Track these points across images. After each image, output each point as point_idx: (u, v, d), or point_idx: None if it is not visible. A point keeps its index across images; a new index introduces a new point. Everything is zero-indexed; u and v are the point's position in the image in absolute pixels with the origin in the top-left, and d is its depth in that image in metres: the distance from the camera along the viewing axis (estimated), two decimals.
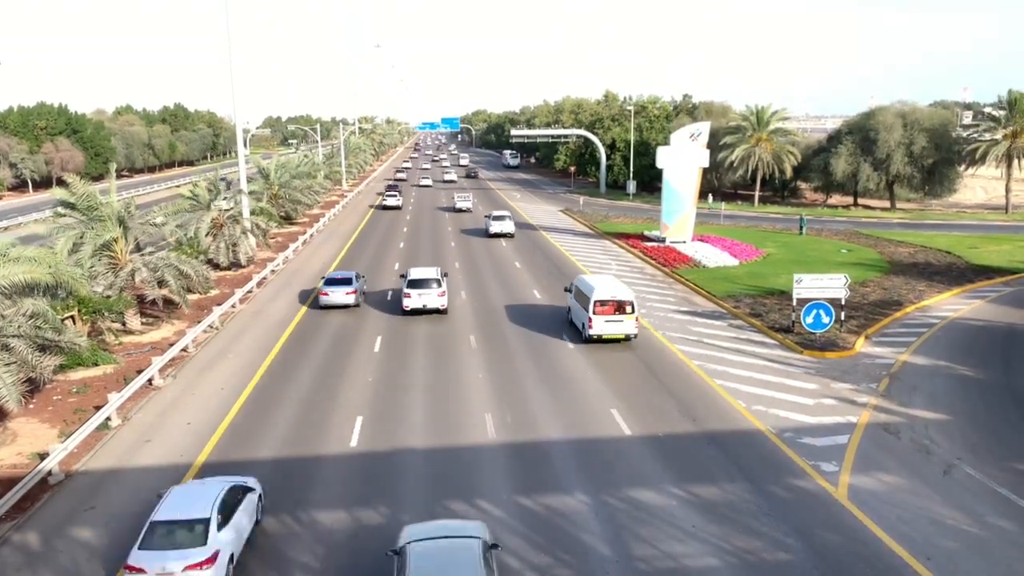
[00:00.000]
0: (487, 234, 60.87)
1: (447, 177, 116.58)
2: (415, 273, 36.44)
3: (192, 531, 14.95)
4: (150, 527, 15.18)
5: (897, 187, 78.78)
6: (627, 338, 30.77)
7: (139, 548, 14.87)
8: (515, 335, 32.67)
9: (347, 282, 37.47)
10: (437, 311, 35.71)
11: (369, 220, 73.54)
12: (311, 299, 39.67)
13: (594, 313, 30.06)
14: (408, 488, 19.27)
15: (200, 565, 14.42)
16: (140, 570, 14.43)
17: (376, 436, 22.40)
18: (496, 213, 62.76)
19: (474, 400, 25.04)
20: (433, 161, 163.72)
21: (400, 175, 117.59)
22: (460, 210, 77.78)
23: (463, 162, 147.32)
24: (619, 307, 30.24)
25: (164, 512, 15.46)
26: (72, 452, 21.33)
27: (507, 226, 60.30)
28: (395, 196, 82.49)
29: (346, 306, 37.25)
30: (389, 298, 39.62)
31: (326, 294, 37.13)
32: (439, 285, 35.58)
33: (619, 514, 17.99)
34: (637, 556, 16.35)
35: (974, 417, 23.56)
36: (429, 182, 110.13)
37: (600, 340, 30.64)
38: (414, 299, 35.18)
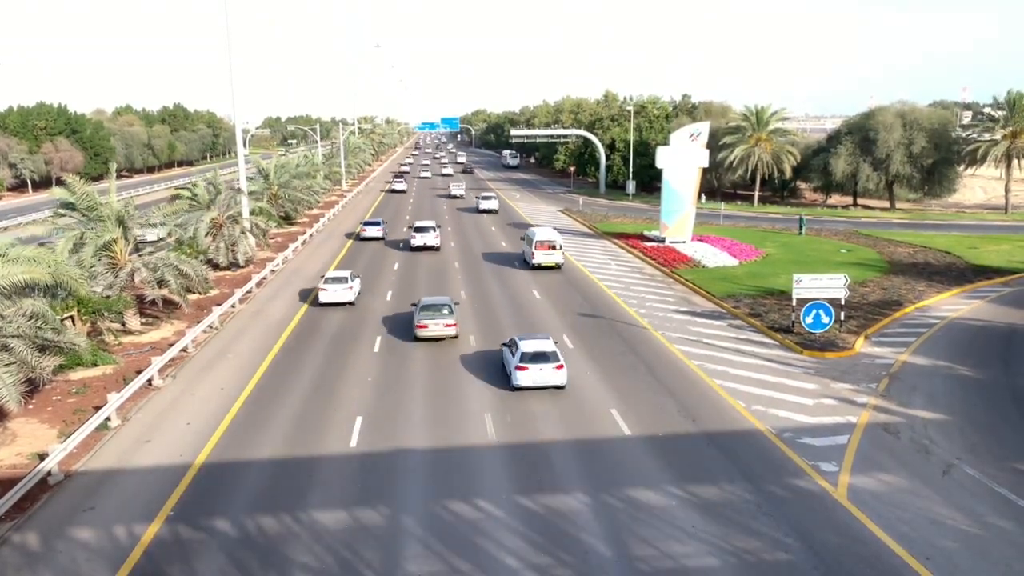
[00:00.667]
0: (477, 210, 77.44)
1: (444, 171, 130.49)
2: (419, 223, 56.38)
3: (343, 280, 38.24)
4: (324, 279, 38.65)
5: (896, 187, 78.79)
6: (557, 266, 46.85)
7: (323, 282, 38.39)
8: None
9: (378, 224, 61.08)
10: (433, 248, 54.33)
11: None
12: (354, 236, 61.60)
13: (536, 249, 46.45)
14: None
15: (347, 289, 37.95)
16: (324, 289, 37.96)
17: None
18: (484, 194, 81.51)
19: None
20: (433, 159, 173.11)
21: (404, 168, 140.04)
22: (454, 196, 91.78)
23: (460, 160, 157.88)
24: (551, 246, 46.64)
25: (329, 275, 39.16)
26: (72, 452, 21.34)
27: (493, 204, 77.29)
28: (401, 182, 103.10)
29: (377, 238, 59.64)
30: (402, 236, 60.81)
31: (364, 231, 60.41)
32: (435, 231, 54.88)
33: (619, 514, 18.00)
34: (637, 556, 16.35)
35: (974, 417, 23.57)
36: (428, 175, 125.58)
37: (539, 267, 46.84)
38: (418, 239, 54.32)
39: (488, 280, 44.57)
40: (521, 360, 25.27)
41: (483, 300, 39.48)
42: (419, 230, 54.72)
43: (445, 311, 31.65)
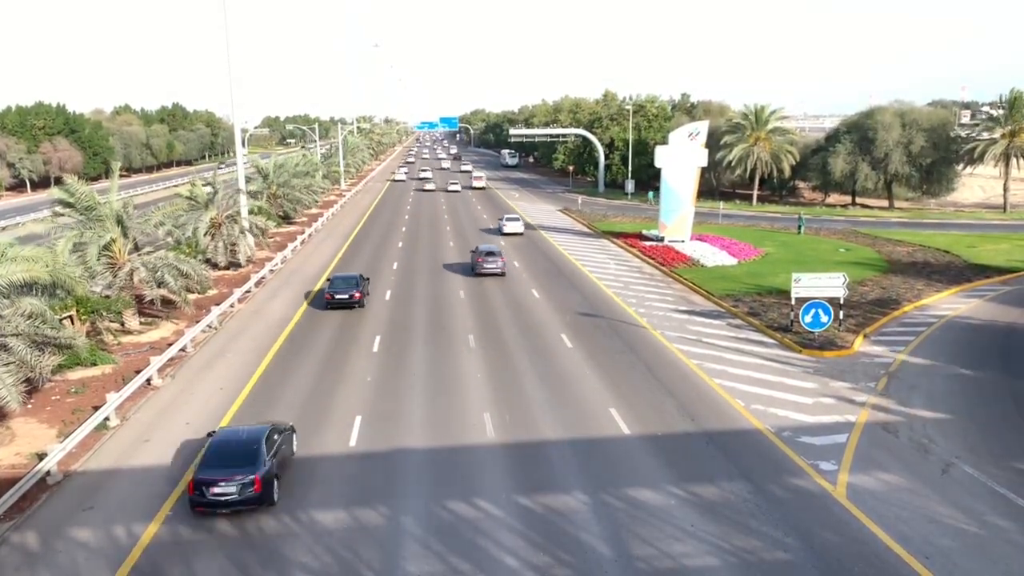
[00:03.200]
0: (458, 170, 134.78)
1: (438, 156, 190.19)
2: (421, 169, 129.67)
3: (401, 172, 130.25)
4: (395, 172, 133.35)
5: (895, 186, 78.80)
6: (482, 188, 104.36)
7: (398, 170, 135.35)
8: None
9: (405, 168, 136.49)
10: (428, 179, 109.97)
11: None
12: (388, 182, 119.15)
13: (473, 180, 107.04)
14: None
15: (405, 173, 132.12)
16: (397, 172, 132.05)
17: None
18: (463, 162, 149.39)
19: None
20: (432, 150, 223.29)
21: (412, 152, 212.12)
22: (444, 168, 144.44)
23: (452, 151, 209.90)
24: (480, 178, 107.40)
25: (396, 176, 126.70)
26: (71, 452, 21.32)
27: (467, 167, 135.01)
28: (412, 158, 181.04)
29: (409, 164, 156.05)
30: (414, 177, 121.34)
31: (396, 173, 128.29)
32: (430, 173, 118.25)
33: (618, 513, 18.00)
34: (636, 555, 16.36)
35: (973, 416, 23.58)
36: (428, 157, 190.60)
37: (474, 188, 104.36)
38: (422, 175, 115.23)
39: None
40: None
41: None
42: (422, 170, 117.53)
43: (429, 181, 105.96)
